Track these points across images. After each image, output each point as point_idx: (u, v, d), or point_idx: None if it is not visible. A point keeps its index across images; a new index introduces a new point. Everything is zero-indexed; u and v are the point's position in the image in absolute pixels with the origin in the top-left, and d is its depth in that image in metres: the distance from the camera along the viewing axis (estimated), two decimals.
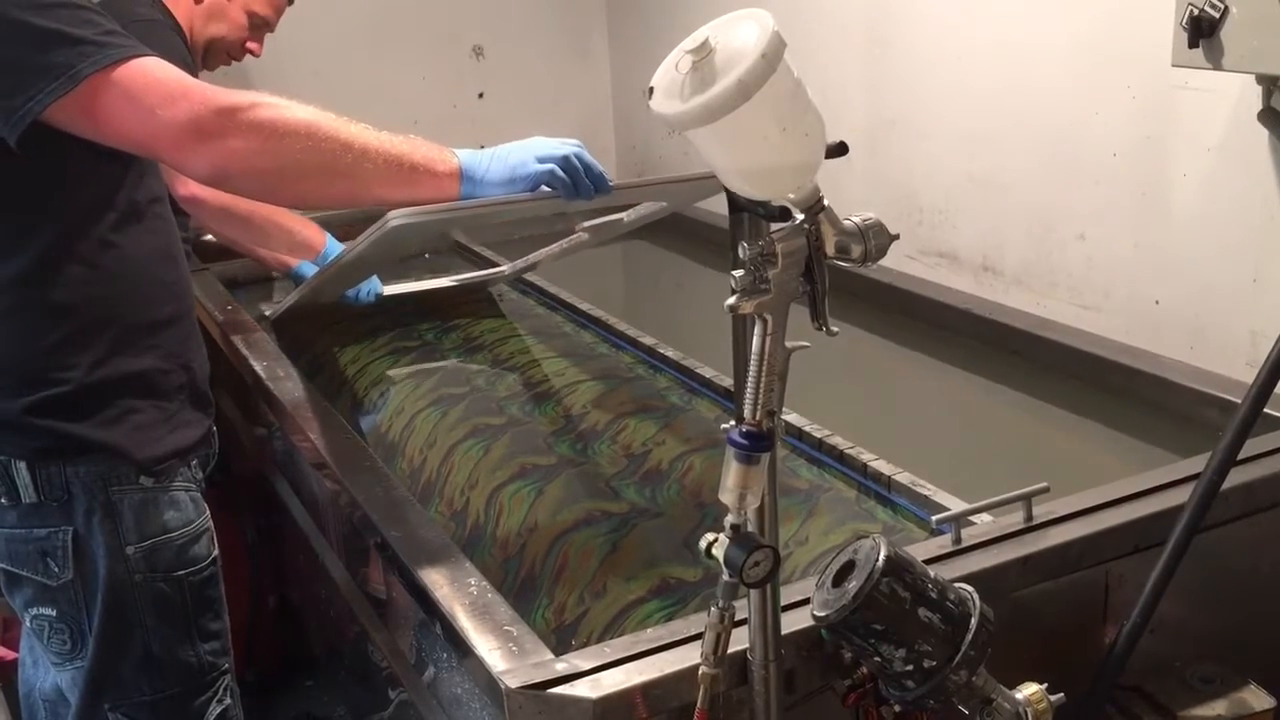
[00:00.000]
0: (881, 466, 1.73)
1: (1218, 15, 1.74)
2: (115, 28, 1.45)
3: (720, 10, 1.00)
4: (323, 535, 2.12)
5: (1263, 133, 1.91)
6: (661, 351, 2.28)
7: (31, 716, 1.90)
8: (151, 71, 1.44)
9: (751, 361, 1.08)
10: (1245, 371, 1.79)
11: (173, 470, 1.63)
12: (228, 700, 1.73)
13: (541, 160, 1.56)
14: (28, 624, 1.66)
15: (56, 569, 1.58)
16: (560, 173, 1.56)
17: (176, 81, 1.45)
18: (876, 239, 1.11)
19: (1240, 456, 1.49)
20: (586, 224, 2.19)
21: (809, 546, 1.56)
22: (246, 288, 2.92)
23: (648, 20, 3.65)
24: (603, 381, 2.15)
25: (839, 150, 1.11)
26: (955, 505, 1.56)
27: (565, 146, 1.58)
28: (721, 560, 1.10)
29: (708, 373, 2.15)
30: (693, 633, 1.26)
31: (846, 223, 1.10)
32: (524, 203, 1.59)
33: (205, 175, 1.49)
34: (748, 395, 1.08)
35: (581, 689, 1.20)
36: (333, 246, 2.49)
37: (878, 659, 1.18)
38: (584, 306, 2.62)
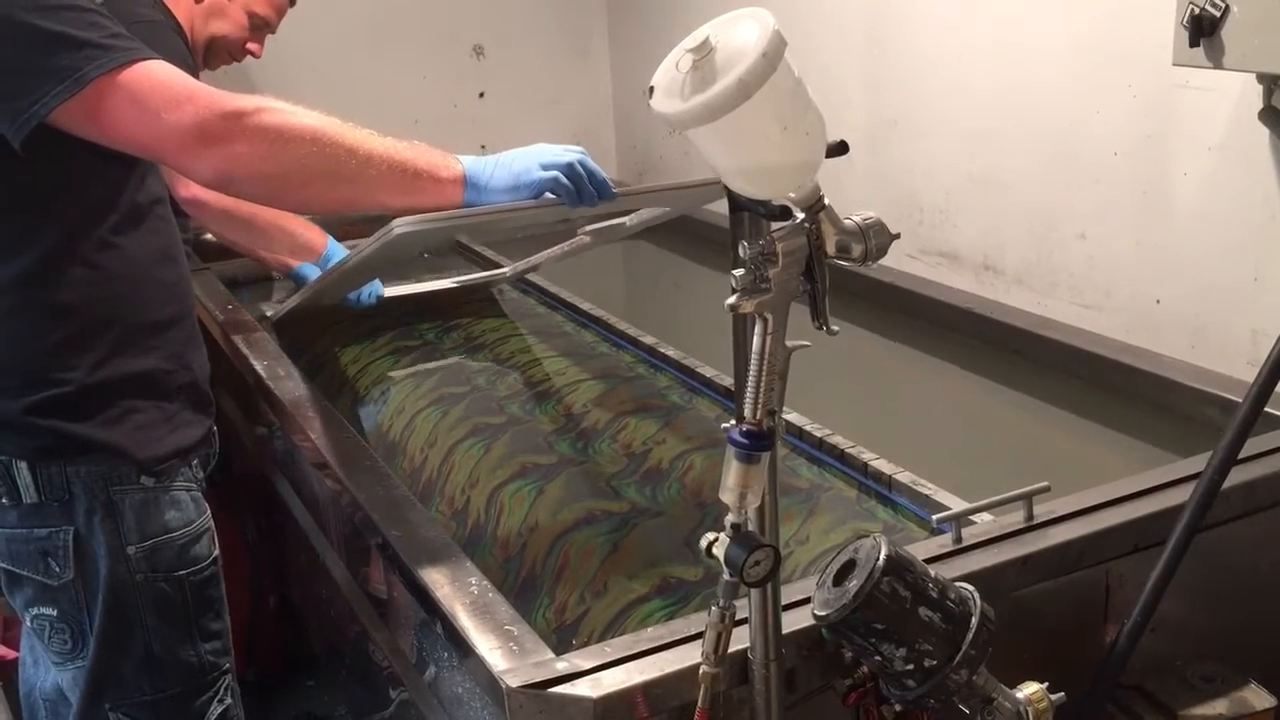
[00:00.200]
0: (882, 466, 1.73)
1: (1218, 14, 1.74)
2: (120, 30, 1.45)
3: (720, 10, 1.00)
4: (323, 535, 2.12)
5: (1263, 132, 1.91)
6: (662, 351, 2.28)
7: (32, 716, 1.90)
8: (157, 75, 1.44)
9: (752, 361, 1.08)
10: (1246, 370, 1.79)
11: (174, 470, 1.63)
12: (229, 700, 1.73)
13: (545, 167, 1.55)
14: (28, 624, 1.66)
15: (57, 569, 1.58)
16: (564, 180, 1.56)
17: (182, 85, 1.45)
18: (877, 238, 1.11)
19: (1241, 455, 1.49)
20: (589, 228, 2.19)
21: (809, 546, 1.56)
22: (247, 287, 2.92)
23: (648, 20, 3.64)
24: (603, 381, 2.15)
25: (839, 149, 1.11)
26: (956, 504, 1.56)
27: (569, 153, 1.58)
28: (722, 559, 1.10)
29: (708, 372, 2.15)
30: (693, 632, 1.26)
31: (847, 222, 1.10)
32: (528, 210, 1.58)
33: (210, 179, 1.49)
34: (748, 394, 1.08)
35: (582, 688, 1.20)
36: (334, 249, 2.49)
37: (878, 658, 1.18)
38: (585, 306, 2.62)
